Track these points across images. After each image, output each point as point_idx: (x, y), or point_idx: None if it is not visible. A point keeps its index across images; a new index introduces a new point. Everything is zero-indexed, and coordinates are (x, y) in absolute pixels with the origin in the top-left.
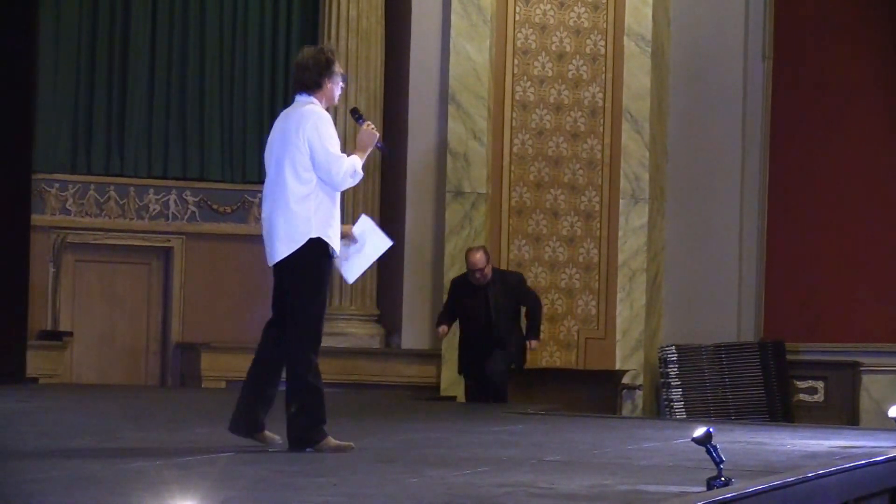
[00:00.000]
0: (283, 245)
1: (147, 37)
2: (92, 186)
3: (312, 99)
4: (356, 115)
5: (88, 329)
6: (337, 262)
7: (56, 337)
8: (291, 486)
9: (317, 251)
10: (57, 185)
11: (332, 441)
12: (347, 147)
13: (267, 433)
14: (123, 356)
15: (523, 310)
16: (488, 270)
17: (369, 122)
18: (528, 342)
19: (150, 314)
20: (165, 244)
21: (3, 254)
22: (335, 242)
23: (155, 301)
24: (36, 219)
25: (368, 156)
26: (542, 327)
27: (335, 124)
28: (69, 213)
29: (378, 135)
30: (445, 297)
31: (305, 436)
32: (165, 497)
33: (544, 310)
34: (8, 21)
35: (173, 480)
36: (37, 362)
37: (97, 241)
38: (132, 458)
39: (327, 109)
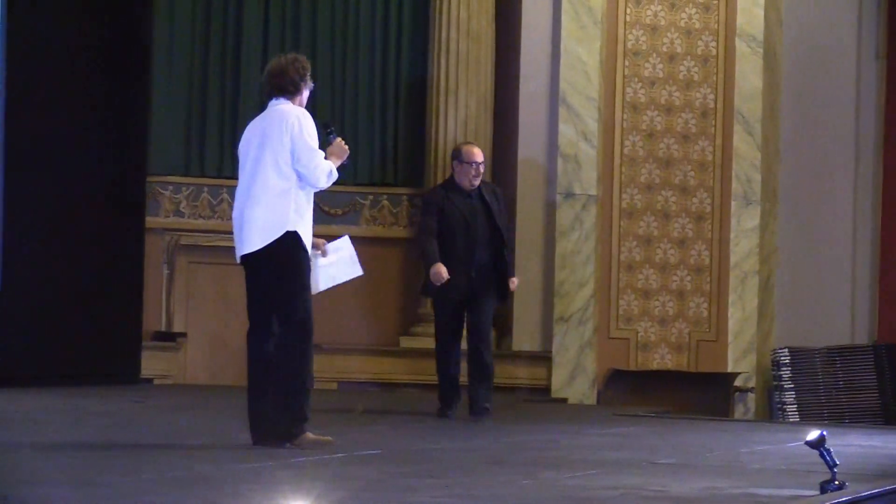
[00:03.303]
0: (257, 236)
1: (259, 41)
2: (205, 189)
3: (289, 102)
4: (328, 129)
5: (201, 330)
6: (315, 276)
7: (170, 338)
8: (403, 488)
9: (293, 244)
10: (171, 187)
11: (310, 436)
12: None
13: (309, 435)
14: (236, 357)
15: None
16: (483, 170)
17: (340, 139)
18: (510, 281)
19: None
20: None
21: (119, 256)
22: (307, 239)
23: None
24: (150, 221)
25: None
26: (653, 329)
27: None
28: (183, 215)
29: (348, 151)
30: (421, 218)
31: (286, 431)
32: (279, 498)
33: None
34: (122, 26)
35: (287, 481)
36: (151, 363)
37: (210, 244)
38: (246, 458)
39: None
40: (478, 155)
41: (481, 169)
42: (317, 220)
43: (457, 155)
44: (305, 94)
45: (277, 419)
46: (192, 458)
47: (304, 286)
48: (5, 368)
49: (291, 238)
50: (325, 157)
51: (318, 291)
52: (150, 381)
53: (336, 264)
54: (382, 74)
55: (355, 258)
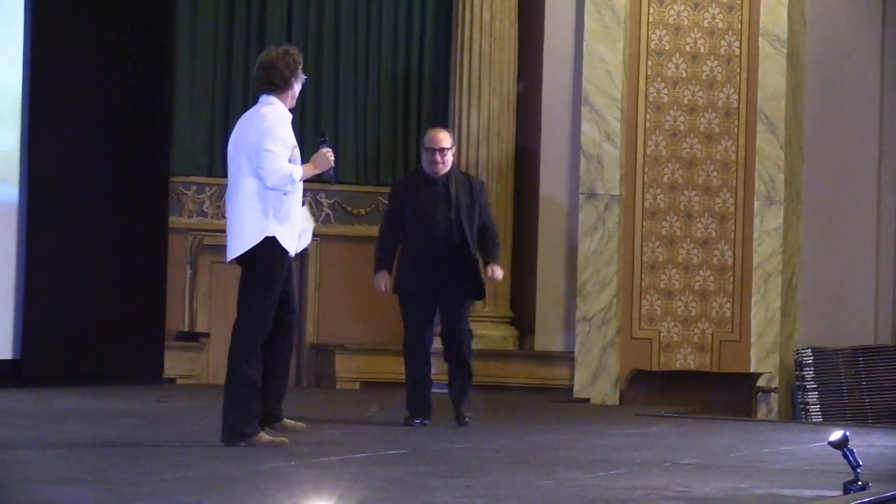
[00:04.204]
0: (238, 242)
1: (282, 42)
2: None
3: (274, 99)
4: (321, 138)
5: (224, 330)
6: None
7: (193, 338)
8: (425, 487)
9: (271, 250)
10: (194, 187)
11: (264, 437)
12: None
13: (287, 421)
14: None
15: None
16: (451, 157)
17: (329, 150)
18: (490, 269)
19: None
20: None
21: (142, 256)
22: (289, 241)
23: None
24: (173, 221)
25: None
26: (676, 329)
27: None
28: (206, 215)
29: (333, 164)
30: (384, 218)
31: (237, 429)
32: (301, 497)
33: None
34: (145, 27)
35: (309, 481)
36: (174, 363)
37: None
38: (267, 458)
39: (291, 110)
40: (439, 140)
41: (438, 157)
42: (340, 219)
43: (423, 144)
44: (297, 87)
45: (230, 419)
46: (214, 457)
47: (268, 289)
48: (29, 368)
49: (270, 243)
50: (307, 162)
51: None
52: (172, 380)
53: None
54: (405, 75)
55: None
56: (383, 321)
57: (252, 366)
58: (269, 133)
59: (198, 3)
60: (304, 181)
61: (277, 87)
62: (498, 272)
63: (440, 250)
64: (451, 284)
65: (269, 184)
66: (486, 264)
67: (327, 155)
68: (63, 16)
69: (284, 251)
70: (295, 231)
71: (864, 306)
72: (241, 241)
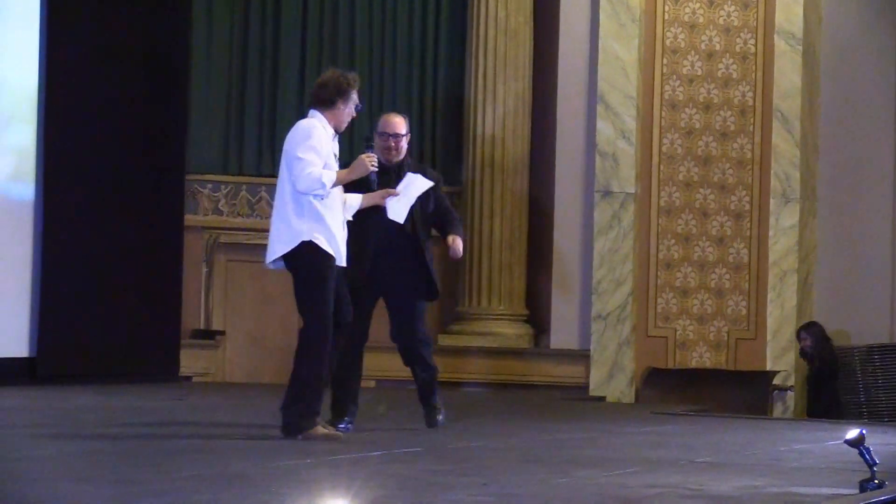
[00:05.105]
0: (278, 246)
1: (297, 38)
2: (244, 187)
3: (318, 114)
4: (368, 142)
5: (240, 328)
6: (389, 210)
7: (209, 336)
8: (440, 486)
9: (310, 252)
10: (209, 185)
11: (320, 430)
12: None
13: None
14: (274, 355)
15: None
16: (405, 145)
17: (371, 155)
18: (451, 239)
19: None
20: None
21: (158, 254)
22: (329, 246)
23: None
24: (189, 219)
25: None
26: (691, 327)
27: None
28: (221, 213)
29: (374, 169)
30: None
31: (296, 424)
32: (316, 496)
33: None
34: (162, 26)
35: (324, 479)
36: (190, 361)
37: (249, 242)
38: (283, 456)
39: (338, 132)
40: (394, 125)
41: (392, 143)
42: None
43: (376, 128)
44: (343, 109)
45: (290, 412)
46: (229, 455)
47: (317, 288)
48: (45, 366)
49: (306, 248)
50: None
51: (404, 220)
52: (188, 378)
53: (406, 193)
54: (421, 72)
55: (421, 176)
56: None
57: (317, 365)
58: (301, 142)
59: (213, 3)
60: (347, 187)
61: (323, 104)
62: (458, 243)
63: (385, 240)
64: (399, 282)
65: (299, 188)
66: (445, 237)
67: (365, 160)
68: (78, 15)
69: (326, 254)
70: (336, 238)
71: (880, 304)
72: (280, 245)
